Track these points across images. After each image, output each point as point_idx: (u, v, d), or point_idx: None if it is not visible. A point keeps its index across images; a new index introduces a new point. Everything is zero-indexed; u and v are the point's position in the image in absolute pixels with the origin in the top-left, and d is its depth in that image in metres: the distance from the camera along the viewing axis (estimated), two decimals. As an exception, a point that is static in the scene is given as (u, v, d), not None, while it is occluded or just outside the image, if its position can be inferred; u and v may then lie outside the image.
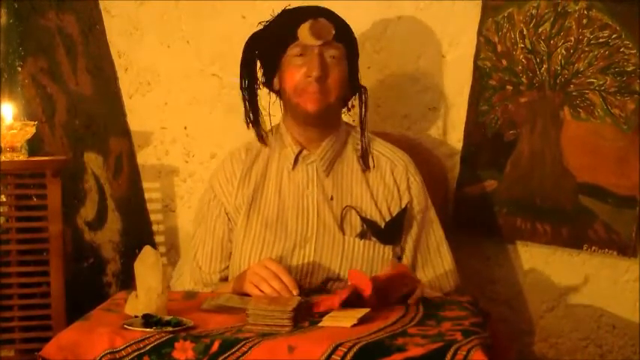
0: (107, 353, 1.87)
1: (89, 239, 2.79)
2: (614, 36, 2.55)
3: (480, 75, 2.75)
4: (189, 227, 2.71)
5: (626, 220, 2.57)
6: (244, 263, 2.31)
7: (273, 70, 2.38)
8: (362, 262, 2.31)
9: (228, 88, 2.92)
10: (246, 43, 2.41)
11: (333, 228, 2.32)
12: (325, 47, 2.31)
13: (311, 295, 2.16)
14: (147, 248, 2.03)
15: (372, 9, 2.83)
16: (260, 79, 2.42)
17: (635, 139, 2.55)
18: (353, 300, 2.02)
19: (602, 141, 2.59)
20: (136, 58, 3.01)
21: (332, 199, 2.36)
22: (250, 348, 1.83)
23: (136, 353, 1.86)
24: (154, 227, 3.05)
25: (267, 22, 2.41)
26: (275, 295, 2.12)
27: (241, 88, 2.40)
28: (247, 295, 2.15)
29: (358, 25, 2.51)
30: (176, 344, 1.86)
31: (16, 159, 2.52)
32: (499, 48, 2.71)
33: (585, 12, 2.58)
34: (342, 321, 1.94)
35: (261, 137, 2.40)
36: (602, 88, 2.58)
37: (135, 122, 3.03)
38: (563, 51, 2.62)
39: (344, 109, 2.44)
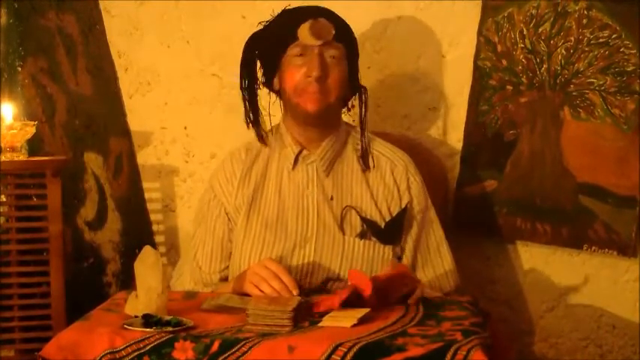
0: (107, 353, 1.87)
1: (89, 239, 2.79)
2: (614, 36, 2.55)
3: (479, 75, 2.75)
4: (189, 227, 2.71)
5: (626, 220, 2.57)
6: (244, 263, 2.31)
7: (273, 70, 2.38)
8: (362, 262, 2.31)
9: (228, 88, 2.92)
10: (246, 43, 2.42)
11: (333, 228, 2.32)
12: (325, 47, 2.31)
13: (311, 295, 2.16)
14: (147, 248, 2.03)
15: (372, 9, 2.83)
16: (260, 79, 2.42)
17: (635, 139, 2.55)
18: (353, 300, 2.02)
19: (602, 141, 2.59)
20: (136, 58, 3.01)
21: (332, 199, 2.36)
22: (250, 348, 1.83)
23: (136, 353, 1.86)
24: (154, 227, 3.05)
25: (267, 22, 2.41)
26: (275, 295, 2.12)
27: (241, 88, 2.40)
28: (247, 295, 2.15)
29: (358, 25, 2.51)
30: (176, 344, 1.86)
31: (16, 159, 2.52)
32: (499, 48, 2.71)
33: (585, 12, 2.58)
34: (342, 321, 1.94)
35: (261, 137, 2.40)
36: (602, 88, 2.58)
37: (135, 122, 3.03)
38: (563, 51, 2.62)
39: (344, 109, 2.44)
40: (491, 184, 2.74)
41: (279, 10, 2.40)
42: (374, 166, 2.40)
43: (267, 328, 1.91)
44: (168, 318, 1.94)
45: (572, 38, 2.60)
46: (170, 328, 1.90)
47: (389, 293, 2.08)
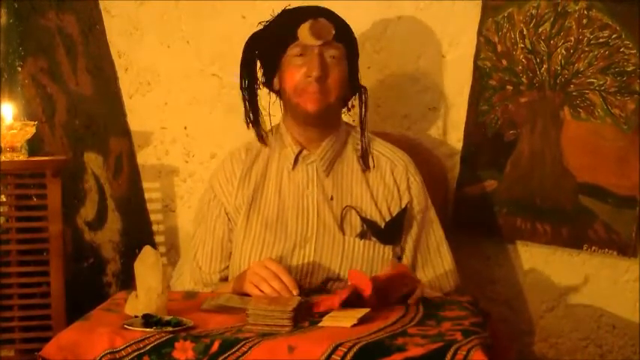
0: (107, 353, 1.87)
1: (89, 239, 2.79)
2: (614, 36, 2.55)
3: (480, 75, 2.75)
4: (189, 227, 2.71)
5: (626, 220, 2.57)
6: (244, 263, 2.31)
7: (273, 70, 2.38)
8: (362, 262, 2.31)
9: (228, 88, 2.92)
10: (246, 43, 2.41)
11: (333, 228, 2.32)
12: (325, 47, 2.31)
13: (311, 295, 2.16)
14: (147, 248, 2.03)
15: (372, 9, 2.83)
16: (260, 79, 2.42)
17: (635, 139, 2.55)
18: (353, 300, 2.02)
19: (602, 141, 2.59)
20: (136, 58, 3.01)
21: (332, 199, 2.35)
22: (250, 348, 1.83)
23: (135, 353, 1.86)
24: (154, 227, 3.05)
25: (267, 22, 2.41)
26: (275, 295, 2.12)
27: (241, 88, 2.40)
28: (247, 295, 2.15)
29: (358, 25, 2.51)
30: (176, 344, 1.86)
31: (16, 159, 2.52)
32: (499, 48, 2.71)
33: (585, 12, 2.58)
34: (342, 321, 1.94)
35: (261, 137, 2.40)
36: (602, 88, 2.58)
37: (135, 122, 3.03)
38: (563, 51, 2.62)
39: (344, 109, 2.44)
40: (491, 184, 2.74)
41: (279, 10, 2.40)
42: (374, 166, 2.40)
43: (267, 328, 1.91)
44: (168, 318, 1.94)
45: (572, 38, 2.60)
46: (170, 328, 1.90)
47: (389, 293, 2.08)
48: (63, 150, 2.73)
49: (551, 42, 2.63)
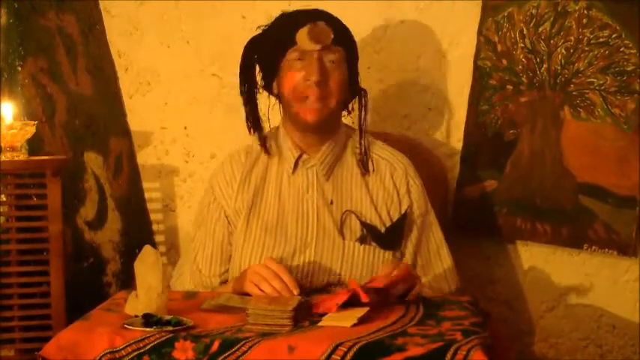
0: (107, 353, 1.86)
1: (89, 239, 2.79)
2: (614, 36, 2.55)
3: (480, 75, 2.75)
4: (189, 227, 2.71)
5: (626, 220, 2.57)
6: (244, 267, 2.28)
7: (272, 74, 2.36)
8: (362, 266, 2.30)
9: (228, 88, 2.92)
10: (245, 47, 2.40)
11: (333, 232, 2.31)
12: (324, 52, 2.29)
13: (311, 295, 2.16)
14: (147, 248, 2.03)
15: (372, 9, 2.83)
16: (260, 83, 2.40)
17: (635, 139, 2.55)
18: (353, 300, 2.02)
19: (603, 141, 2.59)
20: (136, 58, 3.01)
21: (332, 203, 2.34)
22: (250, 348, 1.83)
23: (135, 353, 1.86)
24: (154, 227, 3.05)
25: (265, 26, 2.39)
26: (275, 294, 2.11)
27: (241, 92, 2.39)
28: (247, 294, 2.15)
29: (358, 26, 2.50)
30: (176, 344, 1.85)
31: (16, 159, 2.52)
32: (499, 48, 2.71)
33: (585, 12, 2.58)
34: (342, 321, 1.94)
35: (265, 147, 2.38)
36: (602, 87, 2.58)
37: (135, 122, 3.03)
38: (563, 51, 2.62)
39: (344, 112, 2.43)
40: (491, 184, 2.74)
41: (277, 13, 2.39)
42: (373, 170, 2.38)
43: (267, 327, 1.91)
44: (168, 318, 1.94)
45: (572, 38, 2.60)
46: (170, 328, 1.90)
47: (389, 293, 2.08)
48: (63, 150, 2.73)
49: (551, 42, 2.63)
